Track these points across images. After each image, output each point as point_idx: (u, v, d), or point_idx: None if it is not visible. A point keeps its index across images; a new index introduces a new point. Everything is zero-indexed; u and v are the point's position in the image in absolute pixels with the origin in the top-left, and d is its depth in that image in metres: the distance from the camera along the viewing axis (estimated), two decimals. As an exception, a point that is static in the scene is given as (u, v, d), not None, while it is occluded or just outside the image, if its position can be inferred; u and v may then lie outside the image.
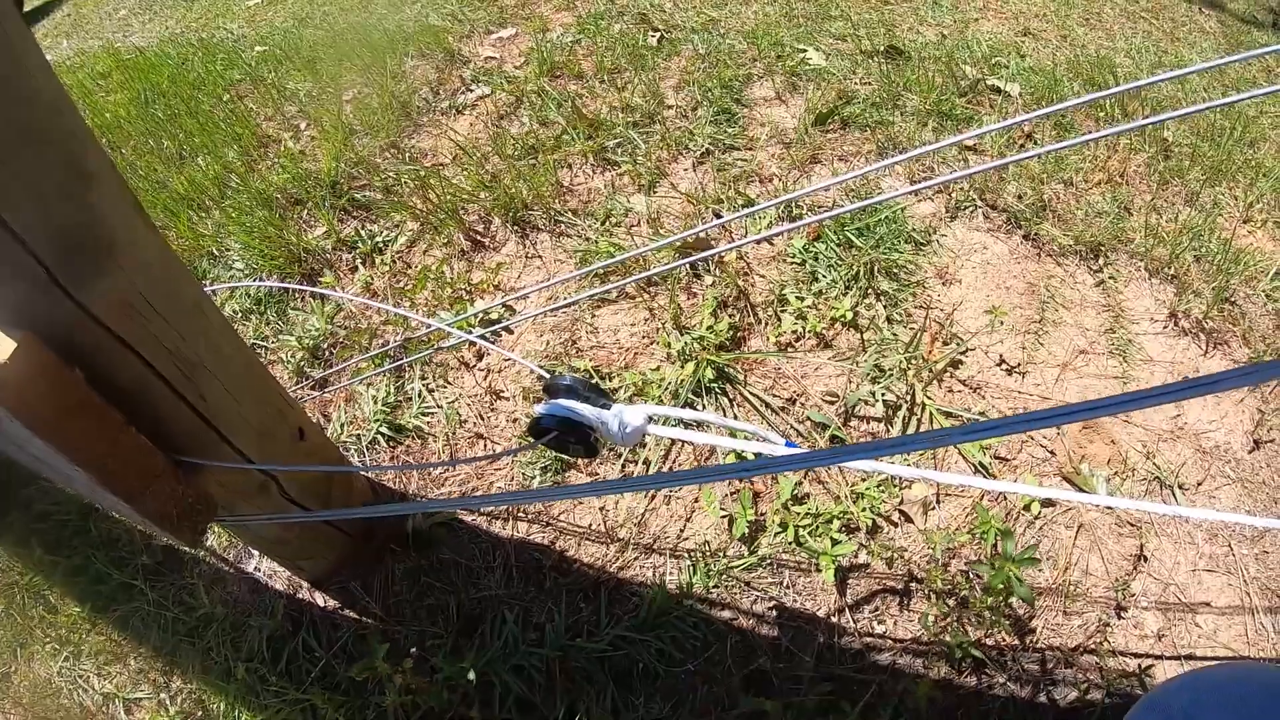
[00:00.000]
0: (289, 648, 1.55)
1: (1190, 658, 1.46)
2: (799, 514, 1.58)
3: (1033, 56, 2.92)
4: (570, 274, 2.02)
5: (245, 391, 1.10)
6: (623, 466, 1.70)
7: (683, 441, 1.70)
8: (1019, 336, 1.87)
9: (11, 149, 0.68)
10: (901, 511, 1.61)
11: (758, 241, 2.04)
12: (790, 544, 1.56)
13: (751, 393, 1.76)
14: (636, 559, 1.59)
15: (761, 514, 1.61)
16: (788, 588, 1.54)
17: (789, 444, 1.02)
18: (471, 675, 1.41)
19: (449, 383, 1.87)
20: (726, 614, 1.51)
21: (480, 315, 1.97)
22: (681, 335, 1.83)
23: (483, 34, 3.14)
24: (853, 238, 2.00)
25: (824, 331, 1.85)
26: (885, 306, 1.90)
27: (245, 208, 2.33)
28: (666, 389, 1.75)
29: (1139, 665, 1.43)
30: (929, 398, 1.74)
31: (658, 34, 2.92)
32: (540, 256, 2.11)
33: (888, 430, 1.72)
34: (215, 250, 2.29)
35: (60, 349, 0.84)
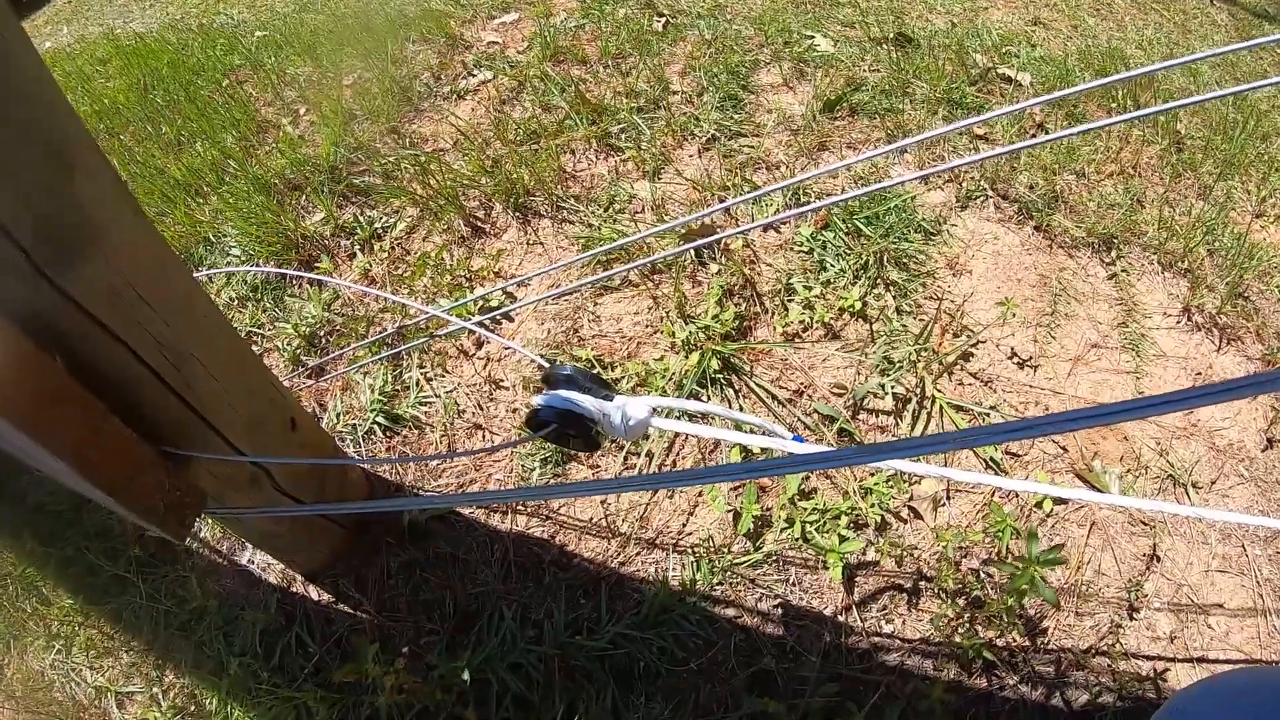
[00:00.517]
0: (282, 643, 1.52)
1: (1203, 660, 1.43)
2: (806, 509, 1.54)
3: (1043, 46, 2.88)
4: (572, 259, 1.98)
5: (236, 381, 1.07)
6: (625, 459, 1.67)
7: (687, 435, 1.67)
8: (1030, 329, 1.83)
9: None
10: (911, 508, 1.58)
11: (764, 228, 2.01)
12: (797, 540, 1.52)
13: (758, 384, 1.72)
14: (638, 554, 1.56)
15: (767, 509, 1.57)
16: (794, 585, 1.50)
17: (796, 438, 0.98)
18: (467, 674, 1.38)
19: (447, 371, 1.84)
20: (730, 612, 1.48)
21: (480, 302, 1.93)
22: (686, 324, 1.79)
23: (485, 19, 3.09)
24: (861, 226, 1.96)
25: (832, 322, 1.82)
26: (895, 297, 1.86)
27: (243, 193, 2.30)
28: (670, 379, 1.72)
29: (1152, 668, 1.40)
30: (939, 391, 1.70)
31: (663, 19, 2.88)
32: (542, 243, 2.08)
33: (896, 423, 1.69)
34: (212, 236, 2.25)
35: (42, 337, 0.81)
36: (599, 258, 1.97)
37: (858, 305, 1.82)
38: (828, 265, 1.92)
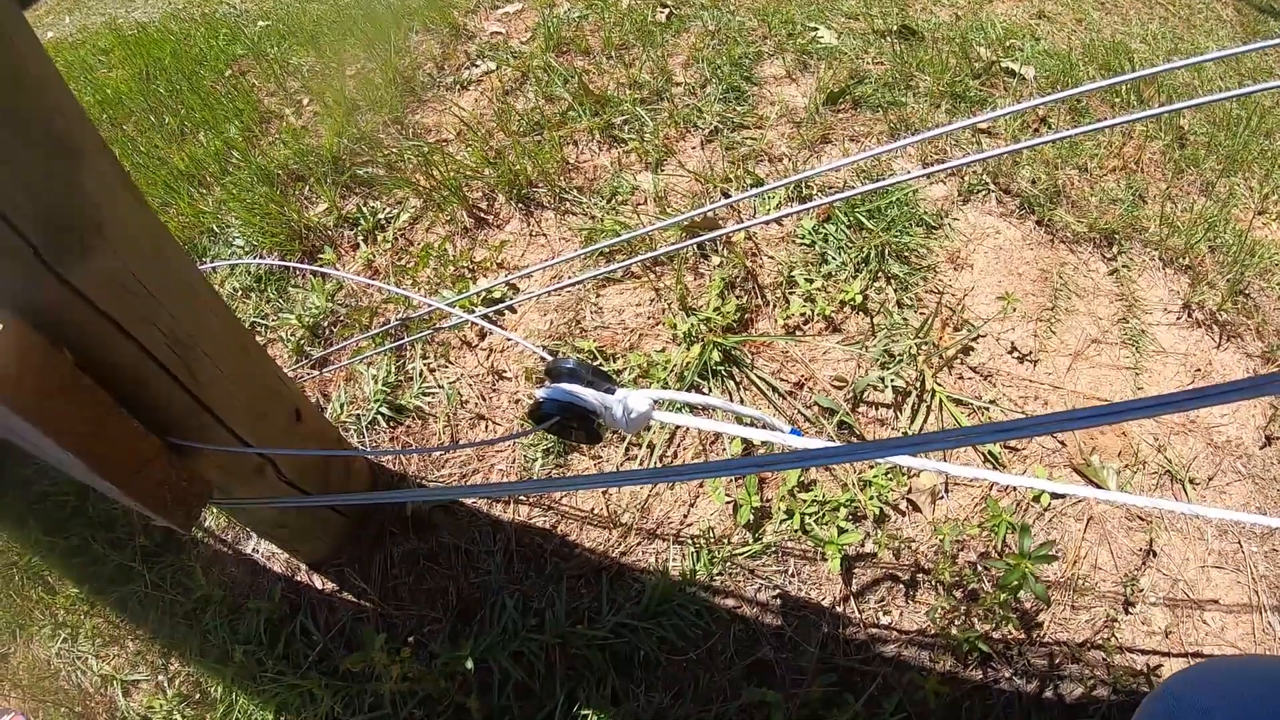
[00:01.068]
0: (286, 631, 1.53)
1: (1197, 655, 1.44)
2: (805, 501, 1.55)
3: (1048, 40, 2.87)
4: (575, 253, 1.99)
5: (240, 373, 1.08)
6: (626, 451, 1.68)
7: (688, 428, 1.68)
8: (1031, 324, 1.84)
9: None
10: (909, 501, 1.59)
11: (766, 222, 2.01)
12: (796, 531, 1.53)
13: (759, 376, 1.73)
14: (639, 544, 1.57)
15: (767, 500, 1.58)
16: (792, 576, 1.52)
17: (794, 431, 0.99)
18: (470, 663, 1.39)
19: (450, 362, 1.85)
20: (730, 602, 1.49)
21: (483, 294, 1.94)
22: (688, 316, 1.80)
23: (488, 9, 3.09)
24: (863, 219, 1.97)
25: (833, 315, 1.82)
26: (896, 290, 1.87)
27: (246, 184, 2.30)
28: (672, 371, 1.73)
29: (1146, 663, 1.41)
30: (939, 385, 1.71)
31: (667, 10, 2.87)
32: (545, 235, 2.08)
33: (896, 416, 1.69)
34: (216, 227, 2.26)
35: (49, 330, 0.82)
36: (601, 250, 1.98)
37: (859, 298, 1.82)
38: (829, 258, 1.93)
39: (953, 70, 2.47)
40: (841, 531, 1.51)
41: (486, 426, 1.75)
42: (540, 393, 0.93)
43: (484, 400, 1.78)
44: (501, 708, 1.40)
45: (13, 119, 0.68)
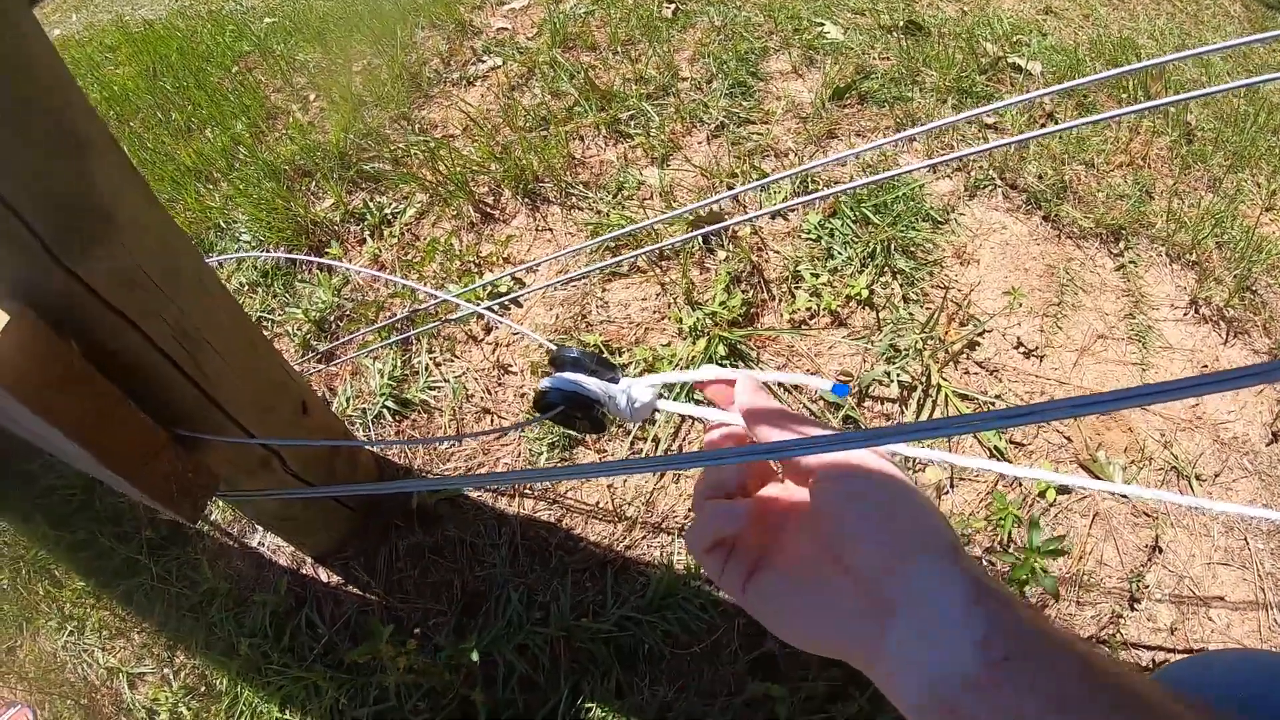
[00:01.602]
0: (292, 624, 1.54)
1: (1203, 652, 1.43)
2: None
3: (1054, 35, 2.86)
4: (581, 245, 1.99)
5: (247, 366, 1.08)
6: (631, 445, 1.68)
7: (694, 419, 1.68)
8: (1037, 319, 1.83)
9: (2, 117, 0.66)
10: (914, 495, 1.58)
11: (772, 215, 2.01)
12: (800, 527, 1.53)
13: (764, 370, 1.72)
14: (644, 538, 1.57)
15: (771, 496, 1.58)
16: (797, 571, 1.51)
17: (837, 388, 0.97)
18: (475, 655, 1.40)
19: (456, 356, 1.85)
20: (734, 597, 1.49)
21: (489, 288, 1.94)
22: (694, 310, 1.80)
23: (495, 4, 3.09)
24: (869, 214, 1.96)
25: (839, 309, 1.82)
26: (902, 285, 1.87)
27: (253, 179, 2.31)
28: (678, 365, 1.73)
29: (1151, 659, 1.41)
30: (945, 379, 1.70)
31: (672, 5, 2.87)
32: (551, 229, 2.08)
33: (902, 411, 1.69)
34: (223, 222, 2.26)
35: (56, 322, 0.82)
36: (607, 244, 1.98)
37: (865, 293, 1.82)
38: (835, 253, 1.92)
39: (959, 66, 2.46)
40: (847, 526, 1.50)
41: (492, 420, 1.75)
42: (543, 382, 0.93)
43: (489, 394, 1.78)
44: (506, 701, 1.40)
45: (22, 112, 0.68)
